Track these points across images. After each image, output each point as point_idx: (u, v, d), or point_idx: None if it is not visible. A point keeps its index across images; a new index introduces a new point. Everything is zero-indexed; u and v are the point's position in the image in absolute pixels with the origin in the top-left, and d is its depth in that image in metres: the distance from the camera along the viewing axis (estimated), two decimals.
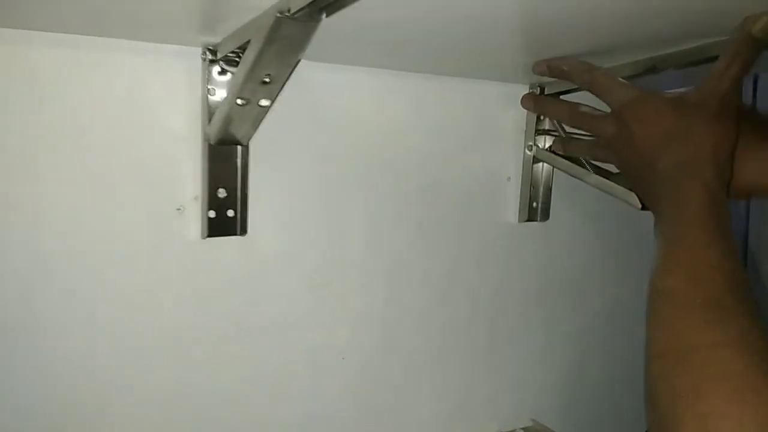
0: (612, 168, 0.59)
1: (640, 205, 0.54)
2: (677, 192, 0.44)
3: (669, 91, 0.49)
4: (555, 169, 0.72)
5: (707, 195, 0.42)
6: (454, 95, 0.67)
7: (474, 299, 0.73)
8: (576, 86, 0.60)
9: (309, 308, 0.61)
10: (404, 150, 0.65)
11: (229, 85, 0.46)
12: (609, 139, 0.52)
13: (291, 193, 0.59)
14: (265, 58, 0.41)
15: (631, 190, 0.56)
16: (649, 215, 0.73)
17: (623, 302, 0.86)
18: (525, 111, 0.71)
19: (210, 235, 0.54)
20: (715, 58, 0.47)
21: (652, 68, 0.56)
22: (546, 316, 0.79)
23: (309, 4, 0.35)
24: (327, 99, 0.59)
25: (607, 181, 0.59)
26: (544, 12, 0.43)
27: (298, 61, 0.44)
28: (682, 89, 0.49)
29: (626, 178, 0.54)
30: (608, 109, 0.53)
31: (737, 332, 0.35)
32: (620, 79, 0.52)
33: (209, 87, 0.51)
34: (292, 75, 0.46)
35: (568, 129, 0.66)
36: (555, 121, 0.67)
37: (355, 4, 0.34)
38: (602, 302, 0.85)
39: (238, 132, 0.51)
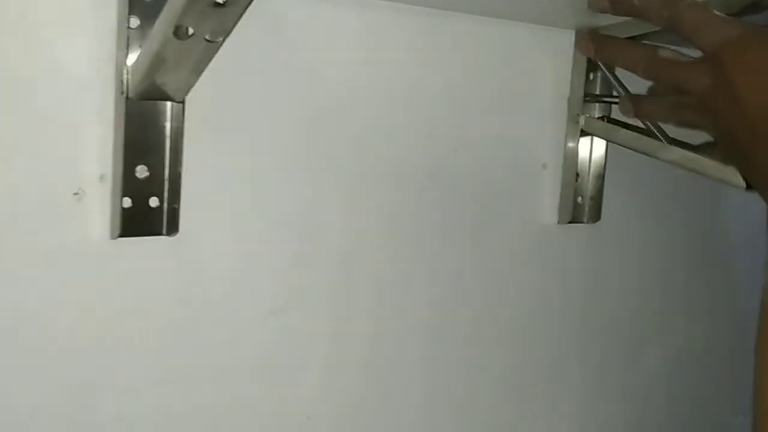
0: (694, 139, 0.60)
1: (744, 184, 0.54)
2: None
3: None
4: (610, 148, 0.72)
5: None
6: (472, 43, 0.66)
7: (494, 336, 0.71)
8: (644, 30, 0.62)
9: (263, 344, 0.59)
10: (403, 120, 0.63)
11: (166, 6, 0.44)
12: (702, 95, 0.52)
13: (243, 177, 0.56)
14: None
15: (729, 164, 0.57)
16: (746, 211, 0.81)
17: (703, 342, 0.87)
18: (569, 69, 0.71)
19: (123, 234, 0.51)
20: None
21: (754, 5, 0.57)
22: (593, 363, 0.79)
23: None
24: (299, 43, 0.57)
25: (693, 154, 0.60)
26: None
27: None
28: None
29: (725, 150, 0.55)
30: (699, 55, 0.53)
31: None
32: (716, 12, 0.51)
33: (130, 15, 0.48)
34: (251, 8, 0.43)
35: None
36: (614, 79, 0.67)
37: None
38: (672, 343, 0.84)
39: (172, 81, 0.48)
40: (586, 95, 0.70)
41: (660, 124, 0.63)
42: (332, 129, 0.60)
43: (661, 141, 0.63)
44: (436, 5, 0.63)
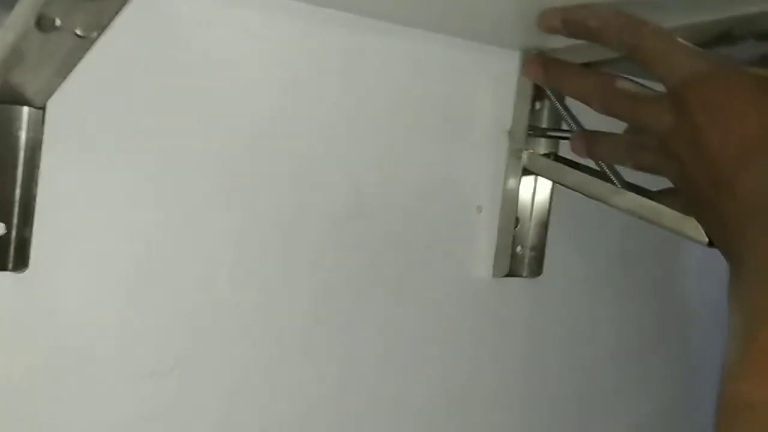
0: (654, 183, 0.62)
1: (706, 240, 0.55)
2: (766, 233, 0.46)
3: (757, 67, 0.52)
4: (556, 191, 0.73)
5: None
6: (399, 59, 0.66)
7: (417, 409, 0.71)
8: (602, 57, 0.64)
9: (138, 412, 0.58)
10: (311, 145, 0.64)
11: None
12: (663, 136, 0.54)
13: (117, 204, 0.55)
14: None
15: (690, 215, 0.58)
16: (708, 271, 0.83)
17: (658, 419, 0.88)
18: (512, 96, 0.72)
19: None
20: None
21: (726, 34, 0.59)
22: None
23: None
24: (187, 45, 0.57)
25: (651, 202, 0.61)
26: None
27: None
28: None
29: (686, 199, 0.56)
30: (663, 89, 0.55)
31: None
32: (683, 41, 0.53)
33: None
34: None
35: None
36: (564, 110, 0.68)
37: None
38: (624, 420, 0.86)
39: (31, 82, 0.47)
40: (530, 128, 0.71)
41: (616, 166, 0.65)
42: (229, 156, 0.60)
43: (616, 185, 0.64)
44: (358, 11, 0.63)
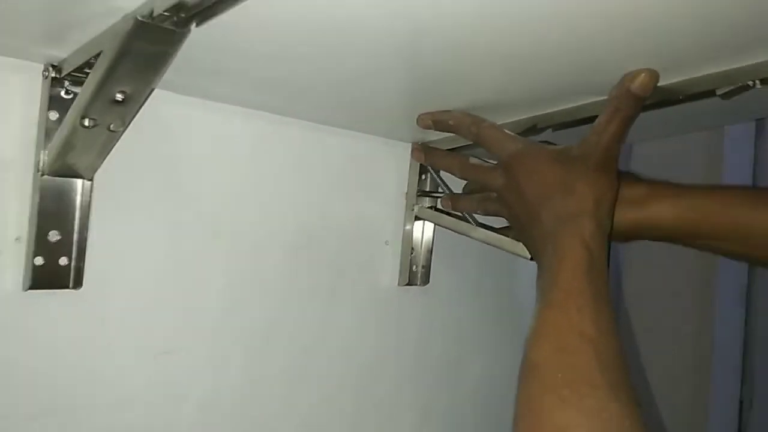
0: (497, 222, 0.62)
1: (529, 256, 0.55)
2: (555, 248, 0.46)
3: (553, 145, 0.53)
4: (437, 230, 0.74)
5: (585, 253, 0.44)
6: (334, 149, 0.67)
7: (344, 371, 0.70)
8: (462, 143, 0.64)
9: (151, 380, 0.56)
10: (274, 204, 0.63)
11: (74, 103, 0.42)
12: (498, 191, 0.54)
13: (139, 243, 0.55)
14: (119, 69, 0.39)
15: (519, 240, 0.58)
16: (530, 277, 0.73)
17: (501, 373, 0.86)
18: (407, 171, 0.73)
19: (33, 287, 0.48)
20: (594, 118, 0.49)
21: (533, 127, 0.59)
22: (420, 391, 0.78)
23: (174, 6, 0.33)
24: (187, 139, 0.57)
25: (494, 233, 0.62)
26: (427, 64, 0.46)
27: (157, 81, 0.41)
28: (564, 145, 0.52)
29: (516, 231, 0.57)
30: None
31: (594, 412, 0.36)
32: (508, 131, 0.54)
33: (50, 110, 0.47)
34: (147, 107, 0.45)
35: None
36: (439, 180, 0.69)
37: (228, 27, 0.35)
38: (480, 374, 0.84)
39: (81, 162, 0.47)
40: (419, 191, 0.72)
41: (472, 213, 0.66)
42: (213, 210, 0.59)
43: (472, 224, 0.65)
44: (306, 118, 0.63)
